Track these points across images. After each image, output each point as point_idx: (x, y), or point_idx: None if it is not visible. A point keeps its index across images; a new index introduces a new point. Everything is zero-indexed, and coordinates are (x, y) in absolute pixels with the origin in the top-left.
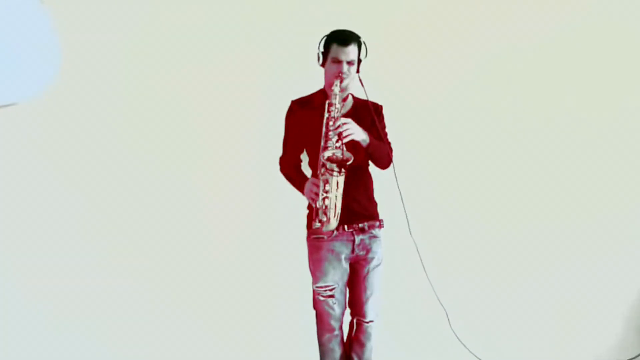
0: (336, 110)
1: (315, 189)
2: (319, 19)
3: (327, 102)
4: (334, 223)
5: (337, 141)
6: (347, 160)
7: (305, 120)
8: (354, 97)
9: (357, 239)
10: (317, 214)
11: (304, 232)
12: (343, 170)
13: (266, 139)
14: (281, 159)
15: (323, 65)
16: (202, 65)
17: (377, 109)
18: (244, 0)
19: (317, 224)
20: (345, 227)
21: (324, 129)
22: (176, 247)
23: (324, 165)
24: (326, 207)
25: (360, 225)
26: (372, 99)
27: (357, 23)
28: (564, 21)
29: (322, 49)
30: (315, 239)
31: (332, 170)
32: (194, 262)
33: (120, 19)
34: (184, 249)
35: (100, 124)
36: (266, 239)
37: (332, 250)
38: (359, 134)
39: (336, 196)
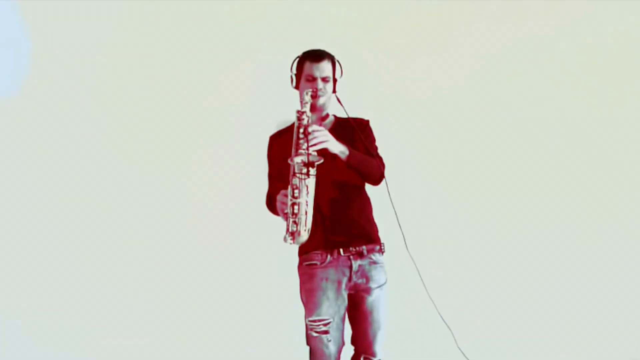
0: (307, 119)
1: (284, 199)
2: (314, 28)
3: (296, 110)
4: (304, 235)
5: (307, 148)
6: (315, 160)
7: (284, 150)
8: (335, 117)
9: (355, 264)
10: (287, 227)
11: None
12: (312, 171)
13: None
14: (267, 194)
15: (297, 87)
16: (189, 63)
17: (361, 125)
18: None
19: (288, 237)
20: (341, 251)
21: (294, 137)
22: (163, 256)
23: (293, 169)
24: (295, 214)
25: (358, 249)
26: (363, 110)
27: (345, 31)
28: (558, 21)
29: (294, 71)
30: (308, 266)
31: (300, 173)
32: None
33: (91, 13)
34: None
35: (70, 122)
36: (262, 265)
37: (327, 279)
38: (334, 145)
39: (306, 201)
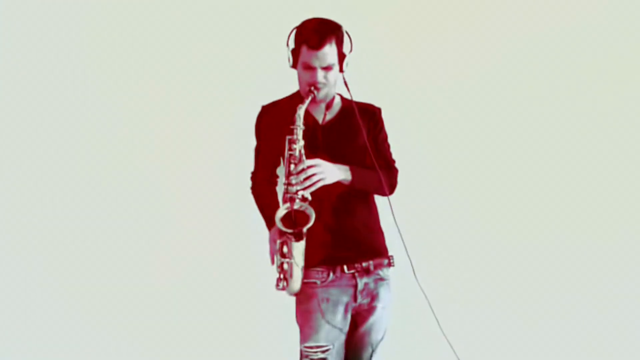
0: (299, 149)
1: (273, 246)
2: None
3: (287, 137)
4: (297, 286)
5: (301, 189)
6: (305, 223)
7: (278, 127)
8: (342, 99)
9: (361, 283)
10: (278, 277)
11: None
12: (301, 235)
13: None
14: (253, 174)
15: (294, 66)
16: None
17: (369, 114)
18: None
19: (280, 287)
20: (345, 268)
21: (285, 170)
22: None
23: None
24: (285, 271)
25: (364, 264)
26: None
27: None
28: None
29: (292, 46)
30: (306, 285)
31: (288, 234)
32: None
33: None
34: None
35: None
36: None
37: (328, 300)
38: (332, 176)
39: (298, 262)
